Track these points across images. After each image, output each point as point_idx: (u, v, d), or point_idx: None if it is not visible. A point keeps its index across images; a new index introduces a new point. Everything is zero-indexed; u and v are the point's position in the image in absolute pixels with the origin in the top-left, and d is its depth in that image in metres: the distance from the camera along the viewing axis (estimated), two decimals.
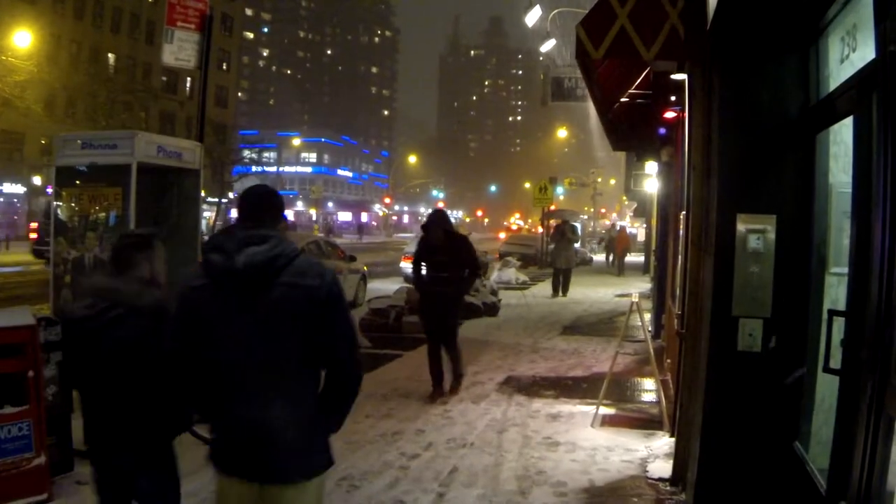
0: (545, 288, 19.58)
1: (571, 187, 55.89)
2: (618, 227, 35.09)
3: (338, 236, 54.17)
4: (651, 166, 13.13)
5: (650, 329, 10.09)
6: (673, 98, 6.70)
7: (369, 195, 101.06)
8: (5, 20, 31.05)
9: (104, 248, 5.40)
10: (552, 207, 32.05)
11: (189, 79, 50.02)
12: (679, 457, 4.94)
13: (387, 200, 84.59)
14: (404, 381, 8.21)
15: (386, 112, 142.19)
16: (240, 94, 77.23)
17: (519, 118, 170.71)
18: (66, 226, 5.61)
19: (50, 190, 10.50)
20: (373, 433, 6.20)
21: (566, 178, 53.64)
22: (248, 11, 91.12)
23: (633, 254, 31.68)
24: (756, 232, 3.94)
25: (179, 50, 7.80)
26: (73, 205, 5.58)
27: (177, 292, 2.80)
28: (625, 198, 43.13)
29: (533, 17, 20.71)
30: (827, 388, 3.57)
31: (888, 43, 2.47)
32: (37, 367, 4.46)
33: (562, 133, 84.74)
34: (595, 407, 6.74)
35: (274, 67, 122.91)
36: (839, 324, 3.03)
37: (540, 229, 32.46)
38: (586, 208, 72.39)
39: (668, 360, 8.25)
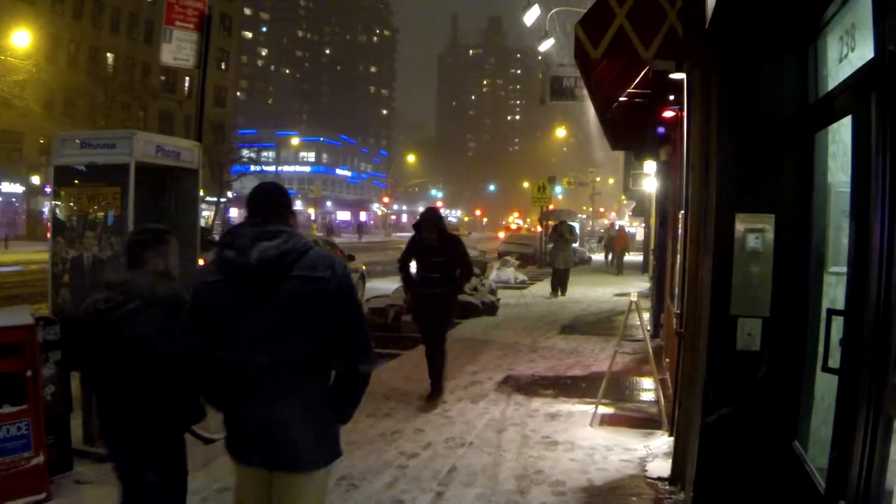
0: (544, 287, 19.59)
1: (570, 187, 55.88)
2: (617, 227, 35.09)
3: (336, 236, 54.12)
4: (650, 165, 13.12)
5: (649, 328, 10.09)
6: (671, 97, 6.70)
7: (368, 195, 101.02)
8: (4, 20, 30.99)
9: (103, 247, 5.40)
10: (550, 207, 32.05)
11: (188, 78, 49.97)
12: (678, 456, 4.95)
13: (385, 200, 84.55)
14: (403, 380, 8.22)
15: (384, 111, 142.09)
16: (238, 93, 77.11)
17: (517, 117, 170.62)
18: (65, 225, 5.60)
19: (48, 189, 10.48)
20: (372, 432, 6.21)
21: (565, 178, 53.64)
22: (247, 11, 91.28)
23: (631, 253, 31.69)
24: (755, 231, 3.94)
25: (178, 49, 7.79)
26: (71, 204, 5.57)
27: (191, 287, 2.88)
28: (623, 197, 43.17)
29: (531, 16, 20.73)
30: (826, 388, 3.57)
31: (887, 42, 2.47)
32: (35, 367, 4.46)
33: (560, 132, 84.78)
34: (594, 406, 6.74)
35: (272, 67, 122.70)
36: (838, 323, 3.03)
37: (539, 228, 32.43)
38: (585, 208, 72.38)
39: (667, 360, 8.25)
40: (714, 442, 4.10)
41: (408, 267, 7.77)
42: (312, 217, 69.33)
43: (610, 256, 31.23)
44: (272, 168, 66.72)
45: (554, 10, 23.59)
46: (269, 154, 72.18)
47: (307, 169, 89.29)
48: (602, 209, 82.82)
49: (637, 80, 7.54)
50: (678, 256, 6.44)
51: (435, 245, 7.49)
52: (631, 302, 6.98)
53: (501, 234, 50.66)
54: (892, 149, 2.48)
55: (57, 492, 4.55)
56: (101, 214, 5.45)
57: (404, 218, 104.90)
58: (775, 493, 3.85)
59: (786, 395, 3.89)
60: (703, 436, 4.16)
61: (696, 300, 4.65)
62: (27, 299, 12.56)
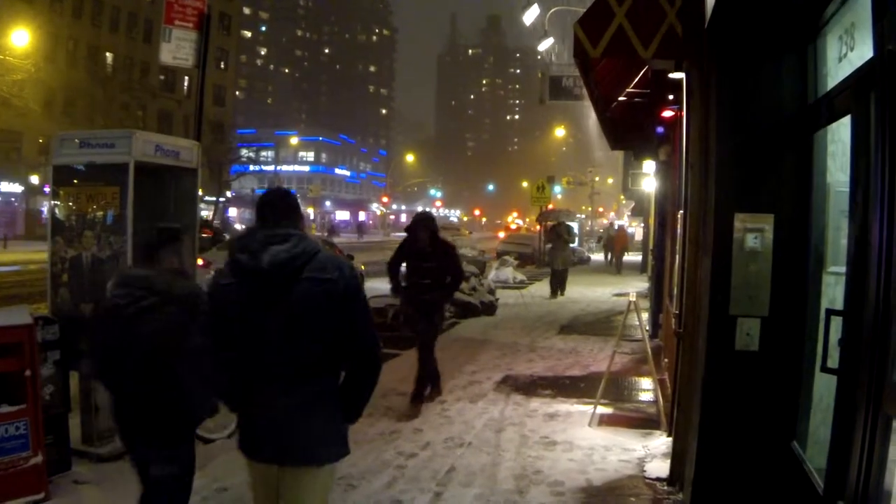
0: (543, 287, 19.58)
1: (569, 186, 55.95)
2: (616, 227, 35.09)
3: (336, 235, 54.10)
4: (649, 165, 13.13)
5: (648, 328, 10.09)
6: (671, 97, 6.70)
7: (367, 194, 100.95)
8: (3, 19, 30.92)
9: (102, 246, 5.40)
10: (550, 207, 32.06)
11: (187, 78, 49.95)
12: (676, 456, 4.94)
13: (384, 199, 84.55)
14: (402, 380, 8.20)
15: (384, 111, 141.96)
16: (237, 92, 77.11)
17: (517, 117, 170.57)
18: (64, 225, 5.59)
19: (47, 189, 10.48)
20: (371, 432, 6.20)
21: (564, 178, 53.72)
22: (246, 10, 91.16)
23: (630, 253, 31.72)
24: (754, 231, 3.94)
25: (177, 49, 7.80)
26: (70, 204, 5.56)
27: (208, 291, 3.03)
28: (622, 197, 43.16)
29: (531, 15, 20.74)
30: (824, 388, 3.57)
31: (886, 42, 2.47)
32: (34, 367, 4.46)
33: (559, 132, 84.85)
34: (592, 406, 6.74)
35: (272, 66, 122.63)
36: (837, 323, 3.03)
37: (538, 228, 32.44)
38: (584, 207, 72.39)
39: (666, 360, 8.25)
40: (713, 442, 4.10)
41: (397, 271, 7.49)
42: (312, 217, 69.33)
43: (609, 256, 31.26)
44: (271, 167, 66.61)
45: (553, 10, 23.59)
46: (268, 153, 72.00)
47: (306, 168, 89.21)
48: (601, 209, 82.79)
49: (636, 79, 7.54)
50: (677, 256, 6.44)
51: (427, 250, 7.20)
52: (630, 302, 6.98)
53: (502, 234, 50.60)
54: (891, 148, 2.48)
55: (55, 491, 4.55)
56: (100, 214, 5.44)
57: (403, 218, 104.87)
58: (774, 494, 3.85)
59: (784, 395, 3.89)
60: (701, 436, 4.16)
61: (695, 300, 4.65)
62: (26, 299, 12.54)
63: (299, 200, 3.15)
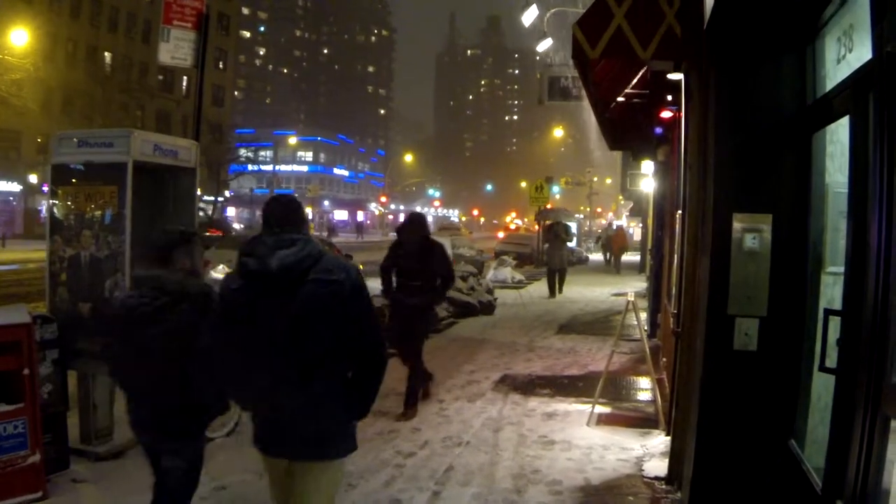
0: (541, 287, 19.58)
1: (568, 186, 55.91)
2: (614, 227, 35.10)
3: (335, 235, 54.08)
4: (647, 166, 13.15)
5: (646, 328, 10.08)
6: (669, 97, 6.70)
7: (365, 194, 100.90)
8: (2, 19, 30.89)
9: (100, 246, 5.39)
10: (548, 206, 32.07)
11: (185, 77, 49.90)
12: (675, 455, 4.95)
13: (383, 199, 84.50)
14: (401, 380, 8.19)
15: (382, 111, 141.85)
16: (236, 92, 77.09)
17: (515, 117, 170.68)
18: (62, 224, 5.58)
19: (46, 188, 10.48)
20: (369, 431, 6.20)
21: (562, 178, 53.69)
22: (245, 10, 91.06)
23: (629, 253, 31.73)
24: (752, 231, 3.94)
25: (176, 49, 7.80)
26: (69, 203, 5.55)
27: (218, 294, 3.11)
28: (621, 197, 43.16)
29: (529, 16, 20.72)
30: (823, 387, 3.58)
31: (885, 43, 2.47)
32: (32, 365, 4.46)
33: (558, 132, 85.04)
34: (591, 405, 6.75)
35: (270, 66, 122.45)
36: (835, 323, 3.03)
37: (536, 227, 32.45)
38: (582, 208, 72.40)
39: (664, 359, 8.26)
40: (711, 441, 4.11)
41: (390, 274, 7.34)
42: (310, 216, 69.28)
43: (608, 256, 31.28)
44: (270, 167, 66.57)
45: (552, 11, 23.59)
46: (266, 153, 71.96)
47: (305, 168, 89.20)
48: (599, 209, 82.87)
49: (635, 80, 7.53)
50: (675, 256, 6.44)
51: (417, 252, 7.09)
52: (628, 302, 6.99)
53: (500, 234, 50.60)
54: (889, 149, 2.49)
55: (53, 490, 4.55)
56: (98, 213, 5.43)
57: (401, 217, 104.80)
58: (772, 493, 3.85)
59: (783, 394, 3.89)
60: (699, 435, 4.16)
61: (694, 300, 4.65)
62: (24, 298, 12.51)
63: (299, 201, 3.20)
